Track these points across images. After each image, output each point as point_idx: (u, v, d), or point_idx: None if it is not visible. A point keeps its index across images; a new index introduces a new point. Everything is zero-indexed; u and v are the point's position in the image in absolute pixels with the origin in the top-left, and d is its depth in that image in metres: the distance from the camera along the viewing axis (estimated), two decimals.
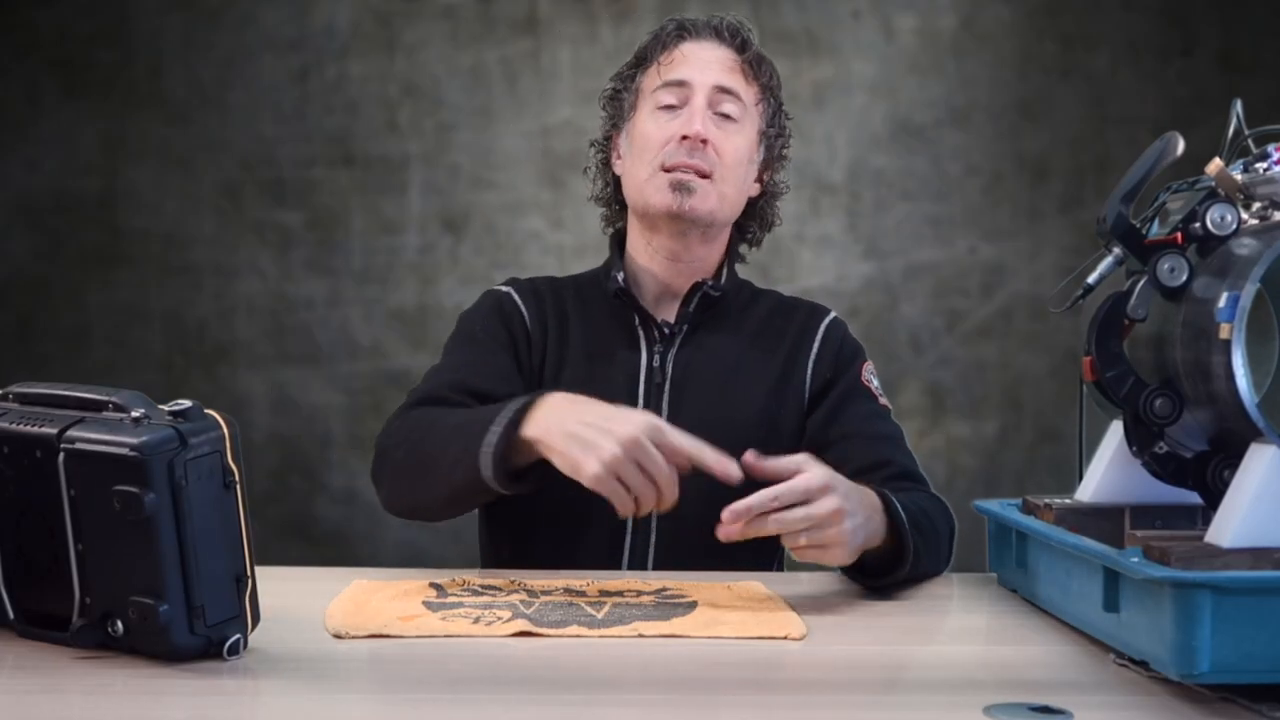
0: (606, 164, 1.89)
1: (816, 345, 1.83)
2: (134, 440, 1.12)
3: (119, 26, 4.13)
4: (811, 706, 1.12)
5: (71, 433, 1.16)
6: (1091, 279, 1.36)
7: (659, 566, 1.73)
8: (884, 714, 1.12)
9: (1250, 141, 1.33)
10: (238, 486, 1.18)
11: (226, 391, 4.08)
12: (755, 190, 1.86)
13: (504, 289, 1.85)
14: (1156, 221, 1.39)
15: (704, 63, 1.79)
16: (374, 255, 4.16)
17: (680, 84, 1.78)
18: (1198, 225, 1.28)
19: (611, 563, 1.74)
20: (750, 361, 1.80)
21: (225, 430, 1.17)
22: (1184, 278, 1.27)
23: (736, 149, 1.78)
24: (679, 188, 1.75)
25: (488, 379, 1.72)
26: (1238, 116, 1.33)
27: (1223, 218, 1.27)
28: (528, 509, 1.76)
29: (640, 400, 1.77)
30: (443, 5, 4.15)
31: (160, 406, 1.18)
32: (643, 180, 1.78)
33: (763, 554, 1.78)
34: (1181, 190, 1.39)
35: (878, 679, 1.23)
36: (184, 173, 4.15)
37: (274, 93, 4.14)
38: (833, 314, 1.88)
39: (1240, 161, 1.33)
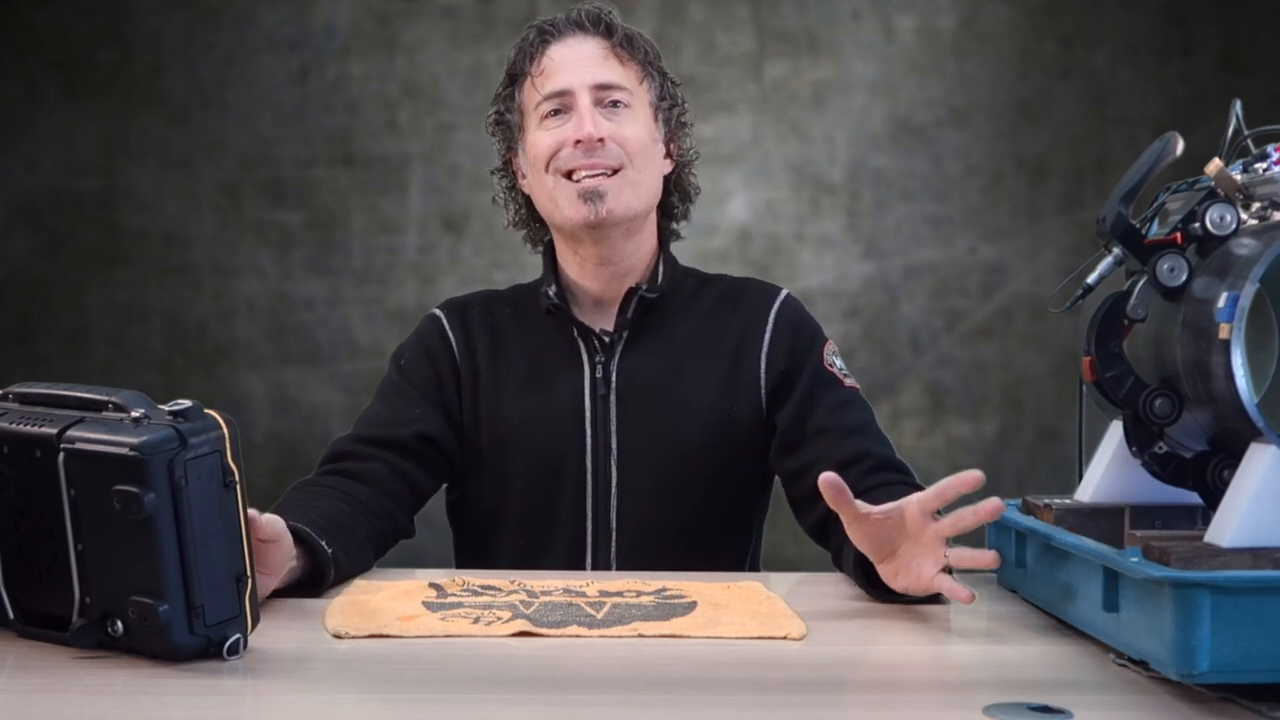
0: (513, 187, 1.84)
1: (768, 335, 1.77)
2: (134, 440, 1.12)
3: (119, 26, 4.13)
4: (811, 706, 1.12)
5: (71, 433, 1.16)
6: (1091, 279, 1.36)
7: (622, 570, 1.73)
8: (884, 714, 1.12)
9: (1250, 141, 1.33)
10: (238, 486, 1.18)
11: (226, 391, 4.08)
12: (668, 166, 1.80)
13: (437, 314, 1.83)
14: (1156, 221, 1.39)
15: (576, 62, 1.74)
16: (374, 255, 4.16)
17: (560, 94, 1.73)
18: (1197, 225, 1.28)
19: (574, 566, 1.73)
20: (697, 361, 1.76)
21: (225, 430, 1.17)
22: (1184, 278, 1.27)
23: (636, 134, 1.73)
24: (589, 197, 1.70)
25: (402, 428, 1.74)
26: (1237, 116, 1.33)
27: (1222, 218, 1.27)
28: (491, 513, 1.78)
29: (588, 414, 1.75)
30: (443, 5, 4.15)
31: (160, 406, 1.18)
32: (550, 191, 1.73)
33: (734, 555, 1.79)
34: (1181, 190, 1.39)
35: (878, 679, 1.23)
36: (184, 173, 4.15)
37: (274, 93, 4.14)
38: (783, 295, 1.81)
39: (1240, 161, 1.33)
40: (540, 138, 1.74)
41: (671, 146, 1.81)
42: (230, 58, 4.15)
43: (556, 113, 1.74)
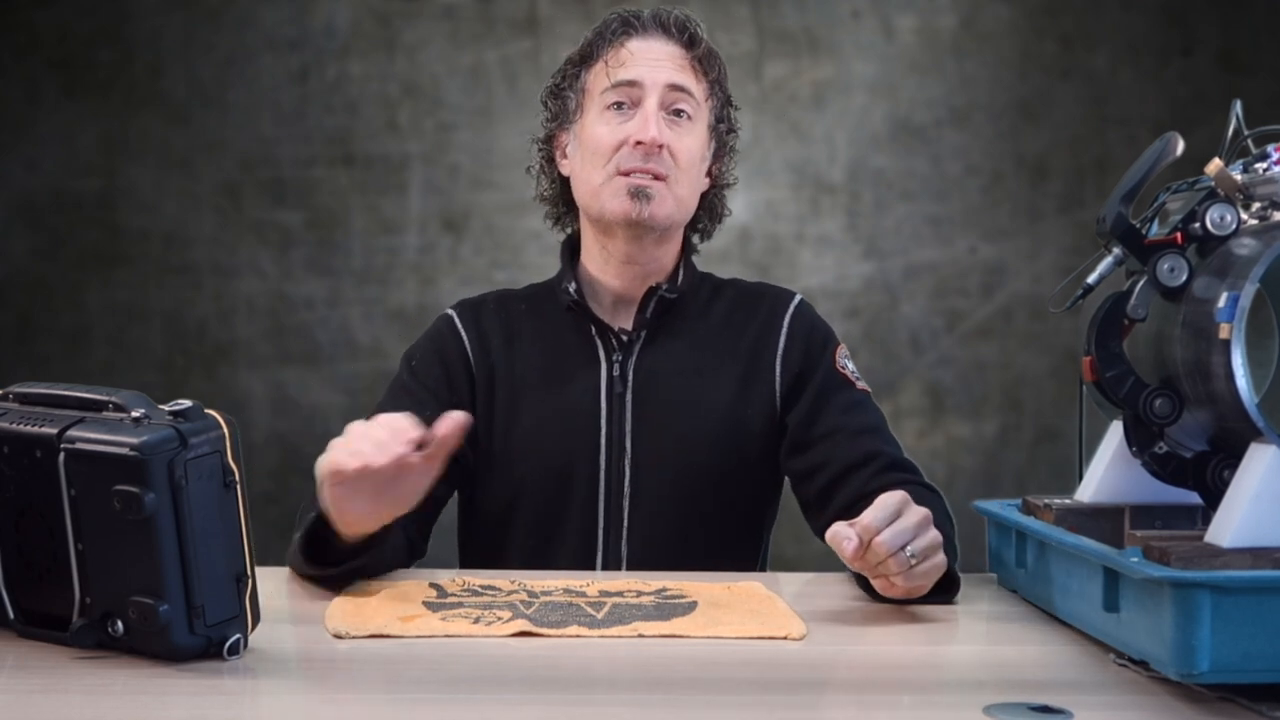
0: (551, 161, 1.83)
1: (783, 339, 1.78)
2: (134, 440, 1.12)
3: (119, 26, 4.13)
4: (811, 706, 1.13)
5: (71, 433, 1.16)
6: (1091, 279, 1.36)
7: (632, 570, 1.72)
8: (884, 714, 1.12)
9: (1250, 141, 1.33)
10: (238, 486, 1.18)
11: (226, 391, 4.08)
12: (706, 185, 1.81)
13: (450, 313, 1.81)
14: (1156, 221, 1.39)
15: (654, 60, 1.73)
16: (374, 255, 4.16)
17: (631, 84, 1.72)
18: (1197, 225, 1.28)
19: (584, 566, 1.72)
20: (713, 363, 1.76)
21: (225, 430, 1.17)
22: (1184, 278, 1.27)
23: (690, 149, 1.74)
24: (637, 194, 1.70)
25: None
26: (1237, 116, 1.34)
27: (1222, 218, 1.27)
28: (502, 512, 1.77)
29: (603, 412, 1.74)
30: (443, 5, 4.15)
31: (160, 406, 1.18)
32: (598, 185, 1.72)
33: (744, 558, 1.79)
34: (1181, 190, 1.39)
35: (878, 679, 1.23)
36: (184, 173, 4.15)
37: (274, 93, 4.14)
38: (797, 299, 1.82)
39: (1240, 161, 1.33)
40: (601, 131, 1.73)
41: (714, 167, 1.82)
42: (230, 58, 4.14)
43: (620, 106, 1.73)
